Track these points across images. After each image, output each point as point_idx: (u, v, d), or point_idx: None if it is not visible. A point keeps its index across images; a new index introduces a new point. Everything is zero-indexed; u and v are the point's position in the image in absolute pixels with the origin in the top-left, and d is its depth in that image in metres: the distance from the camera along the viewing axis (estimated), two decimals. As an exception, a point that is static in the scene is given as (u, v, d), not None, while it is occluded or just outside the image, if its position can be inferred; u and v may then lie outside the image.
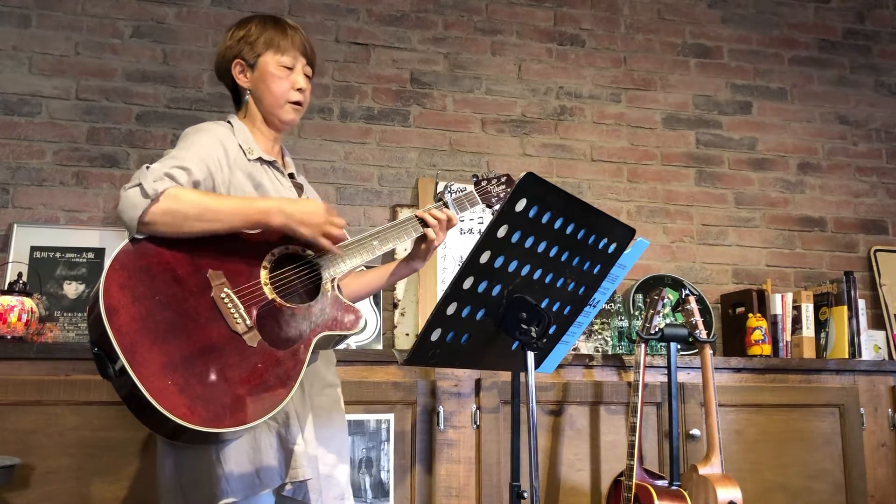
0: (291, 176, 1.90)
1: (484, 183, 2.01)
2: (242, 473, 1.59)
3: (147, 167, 1.55)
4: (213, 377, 1.50)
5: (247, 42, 1.81)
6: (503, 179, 2.03)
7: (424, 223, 1.84)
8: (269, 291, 1.64)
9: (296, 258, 1.71)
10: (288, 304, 1.66)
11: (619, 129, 3.30)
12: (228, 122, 1.81)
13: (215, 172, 1.66)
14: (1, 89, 2.76)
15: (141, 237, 1.54)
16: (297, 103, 1.82)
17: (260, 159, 1.77)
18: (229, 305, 1.57)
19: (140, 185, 1.51)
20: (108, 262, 1.50)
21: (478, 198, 1.97)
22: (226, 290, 1.59)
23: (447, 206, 1.89)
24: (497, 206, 2.01)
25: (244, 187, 1.71)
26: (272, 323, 1.61)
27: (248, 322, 1.58)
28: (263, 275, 1.65)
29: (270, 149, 1.85)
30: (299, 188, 1.89)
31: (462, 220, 2.93)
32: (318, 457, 1.71)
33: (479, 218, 2.96)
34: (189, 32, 2.94)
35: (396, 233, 1.82)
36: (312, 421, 1.72)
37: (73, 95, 2.81)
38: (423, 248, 1.88)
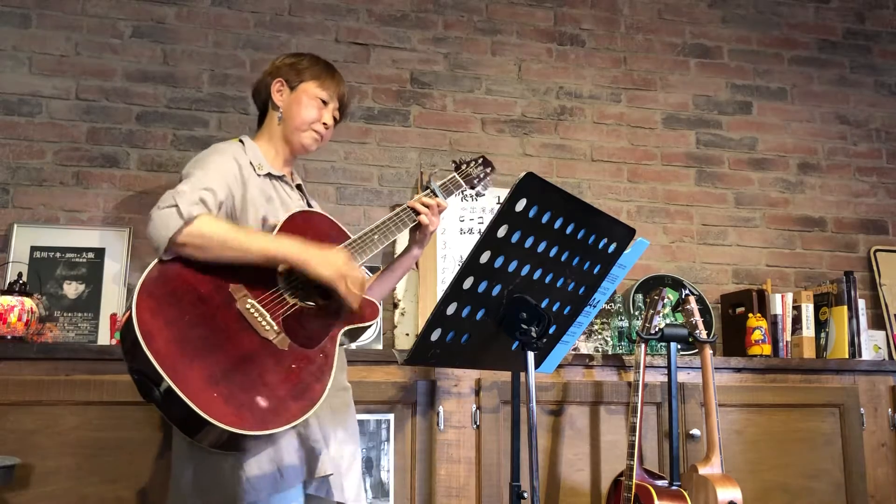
0: (299, 187, 2.00)
1: (464, 166, 2.13)
2: (264, 473, 1.64)
3: (181, 191, 1.64)
4: (253, 384, 1.57)
5: (294, 68, 1.95)
6: (479, 161, 2.16)
7: (417, 212, 1.94)
8: (289, 296, 1.72)
9: None
10: (309, 305, 1.73)
11: (619, 129, 3.30)
12: (240, 141, 1.90)
13: (234, 189, 1.76)
14: (1, 89, 2.76)
15: (164, 261, 1.62)
16: (319, 135, 1.94)
17: (269, 174, 1.86)
18: (255, 315, 1.65)
19: (177, 206, 1.60)
20: (135, 293, 1.56)
21: (461, 181, 2.09)
22: (249, 300, 1.66)
23: (435, 194, 2.00)
24: (479, 187, 2.15)
25: (257, 201, 1.80)
26: (297, 325, 1.69)
27: (275, 328, 1.66)
28: (281, 281, 1.73)
29: (280, 167, 1.94)
30: (307, 201, 2.00)
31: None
32: (335, 455, 1.75)
33: (479, 218, 2.96)
34: (189, 32, 2.94)
35: (394, 224, 1.91)
36: (329, 421, 1.77)
37: (73, 95, 2.81)
38: (419, 235, 1.99)
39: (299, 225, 1.81)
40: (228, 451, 1.61)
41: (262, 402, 1.55)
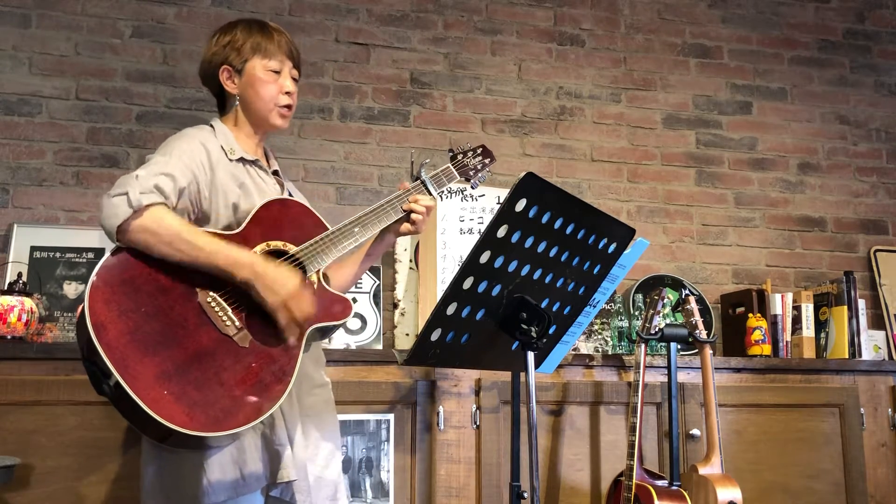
0: (276, 173, 1.89)
1: (460, 157, 2.00)
2: (226, 475, 1.59)
3: (136, 175, 1.55)
4: (208, 382, 1.50)
5: (233, 48, 1.80)
6: (479, 151, 2.02)
7: (408, 203, 1.83)
8: None
9: (278, 254, 1.69)
10: None
11: (619, 129, 3.30)
12: (210, 125, 1.81)
13: (199, 175, 1.67)
14: (1, 89, 2.76)
15: (121, 249, 1.54)
16: (287, 107, 1.83)
17: (242, 159, 1.77)
18: (216, 309, 1.58)
19: (126, 194, 1.52)
20: (90, 280, 1.49)
21: (455, 172, 1.97)
22: (211, 293, 1.58)
23: (425, 185, 1.89)
24: (475, 179, 2.00)
25: (226, 188, 1.71)
26: (262, 321, 1.61)
27: (237, 323, 1.58)
28: None
29: (253, 150, 1.84)
30: (282, 185, 1.89)
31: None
32: (307, 458, 1.70)
33: (479, 218, 2.96)
34: (189, 32, 2.94)
35: (377, 217, 1.81)
36: (302, 422, 1.71)
37: (73, 95, 2.81)
38: (403, 229, 1.86)
39: (275, 214, 1.72)
40: (185, 449, 1.55)
41: (215, 401, 1.48)
